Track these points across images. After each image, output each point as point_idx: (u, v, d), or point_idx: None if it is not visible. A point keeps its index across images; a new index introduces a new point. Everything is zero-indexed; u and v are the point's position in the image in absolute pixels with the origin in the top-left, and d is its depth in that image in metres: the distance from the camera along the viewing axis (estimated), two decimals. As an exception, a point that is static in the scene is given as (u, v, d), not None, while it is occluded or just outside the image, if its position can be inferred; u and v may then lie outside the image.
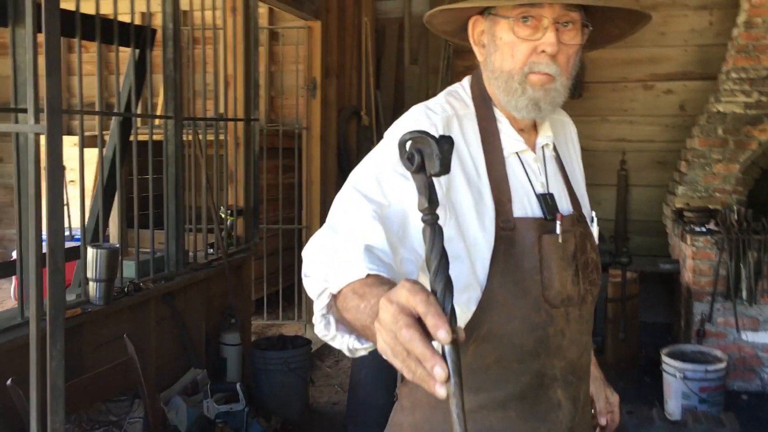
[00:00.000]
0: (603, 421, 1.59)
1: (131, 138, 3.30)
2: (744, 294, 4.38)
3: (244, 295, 4.34)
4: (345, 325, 1.12)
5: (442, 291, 0.84)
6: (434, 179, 0.91)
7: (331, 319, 1.13)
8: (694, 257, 4.50)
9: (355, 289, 1.05)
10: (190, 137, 4.02)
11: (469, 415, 1.36)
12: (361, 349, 1.12)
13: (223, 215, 4.22)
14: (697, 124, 5.36)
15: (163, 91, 3.47)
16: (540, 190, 1.42)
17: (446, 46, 6.46)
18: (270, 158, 5.80)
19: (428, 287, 0.86)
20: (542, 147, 1.48)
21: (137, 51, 3.19)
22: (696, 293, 4.53)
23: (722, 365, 4.13)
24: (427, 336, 0.78)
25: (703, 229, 4.56)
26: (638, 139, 6.16)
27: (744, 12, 5.18)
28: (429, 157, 0.89)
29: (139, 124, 4.47)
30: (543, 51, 1.32)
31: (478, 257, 1.34)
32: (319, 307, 1.14)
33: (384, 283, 1.03)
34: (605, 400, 1.64)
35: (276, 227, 5.83)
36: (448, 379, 0.76)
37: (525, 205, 1.39)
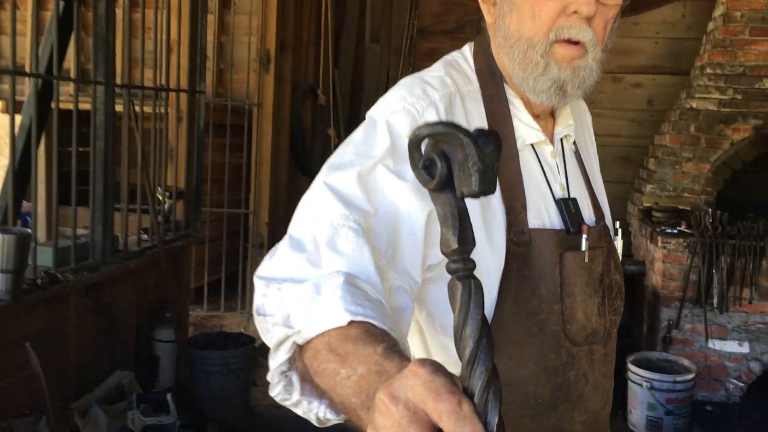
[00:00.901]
0: None
1: (52, 105, 2.84)
2: (715, 301, 4.18)
3: (181, 287, 3.94)
4: (314, 386, 0.80)
5: (483, 392, 0.53)
6: (466, 200, 0.60)
7: (295, 379, 0.82)
8: (665, 260, 4.28)
9: (331, 344, 0.74)
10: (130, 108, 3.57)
11: None
12: (337, 420, 0.81)
13: (160, 197, 3.79)
14: (668, 120, 5.15)
15: (93, 53, 3.02)
16: (560, 194, 1.14)
17: (410, 25, 6.11)
18: (216, 136, 5.37)
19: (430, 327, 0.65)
20: (561, 139, 1.19)
21: (62, 3, 2.74)
22: (664, 298, 4.31)
23: (691, 376, 3.92)
24: None
25: (675, 231, 4.34)
26: (603, 133, 5.93)
27: (722, 5, 4.96)
28: (461, 167, 0.58)
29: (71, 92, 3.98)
30: (575, 11, 1.02)
31: (484, 280, 1.01)
32: (278, 362, 0.82)
33: (374, 337, 0.72)
34: None
35: (220, 211, 5.42)
36: None
37: (542, 214, 1.11)
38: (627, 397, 4.03)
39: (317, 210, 0.93)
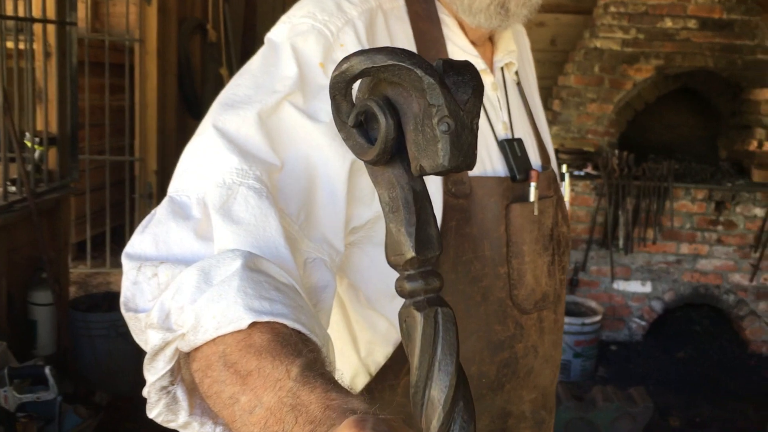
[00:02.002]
0: None
1: None
2: (620, 242, 4.20)
3: (59, 244, 3.53)
4: (205, 402, 0.61)
5: None
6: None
7: (180, 395, 0.62)
8: (572, 203, 4.24)
9: (228, 356, 0.55)
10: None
11: None
12: None
13: (29, 143, 3.34)
14: (572, 61, 5.08)
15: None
16: (503, 134, 0.97)
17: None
18: (94, 75, 4.89)
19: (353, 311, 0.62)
20: (501, 68, 1.01)
21: None
22: (572, 240, 4.29)
23: (598, 317, 3.94)
24: None
25: (582, 173, 4.30)
26: (507, 73, 5.83)
27: (625, -58, 4.88)
28: (419, 125, 0.38)
29: None
30: None
31: None
32: (155, 375, 0.62)
33: (286, 347, 0.54)
34: None
35: (102, 159, 4.96)
36: None
37: (483, 158, 0.94)
38: (536, 341, 4.01)
39: (206, 163, 0.69)
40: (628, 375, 3.99)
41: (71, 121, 3.64)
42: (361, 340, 0.90)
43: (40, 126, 3.47)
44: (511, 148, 0.95)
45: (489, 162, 0.93)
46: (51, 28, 3.45)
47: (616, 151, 4.36)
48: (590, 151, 4.66)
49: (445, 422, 0.36)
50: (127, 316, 0.65)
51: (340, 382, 0.51)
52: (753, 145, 4.50)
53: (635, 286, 4.32)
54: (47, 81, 3.49)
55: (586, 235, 4.25)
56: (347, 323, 0.91)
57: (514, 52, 1.01)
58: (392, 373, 0.88)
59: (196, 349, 0.57)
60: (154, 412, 0.62)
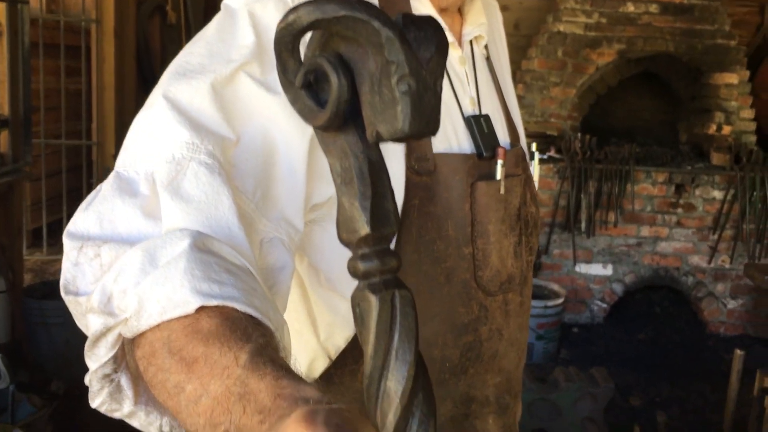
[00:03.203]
0: None
1: None
2: (582, 225, 4.23)
3: (12, 230, 3.42)
4: (149, 391, 0.58)
5: None
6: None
7: (125, 383, 0.60)
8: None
9: (173, 342, 0.52)
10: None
11: None
12: None
13: (-22, 126, 3.23)
14: (535, 45, 5.08)
15: None
16: (470, 110, 0.92)
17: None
18: (49, 57, 4.75)
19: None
20: (470, 42, 0.97)
21: None
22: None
23: (561, 300, 3.97)
24: None
25: (545, 157, 4.31)
26: (471, 57, 5.83)
27: (588, -74, 4.89)
28: (375, 86, 0.34)
29: None
30: None
31: None
32: (97, 363, 0.59)
33: (235, 332, 0.51)
34: None
35: (58, 143, 4.82)
36: None
37: (449, 134, 0.89)
38: (500, 325, 4.04)
39: (155, 137, 0.65)
40: (590, 356, 4.03)
41: (24, 103, 3.52)
42: (320, 322, 0.87)
43: (-10, 108, 3.36)
44: (478, 124, 0.91)
45: (455, 138, 0.89)
46: (1, 6, 3.33)
47: (579, 135, 4.39)
48: (553, 135, 4.68)
49: (403, 416, 0.33)
50: (67, 299, 0.61)
51: (293, 368, 0.48)
52: (712, 129, 4.56)
53: (597, 269, 4.37)
54: (-2, 61, 3.38)
55: (549, 218, 4.27)
56: (306, 305, 0.88)
57: (484, 24, 0.97)
58: (352, 357, 0.85)
59: (140, 335, 0.54)
60: (97, 401, 0.59)
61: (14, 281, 3.33)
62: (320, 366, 0.88)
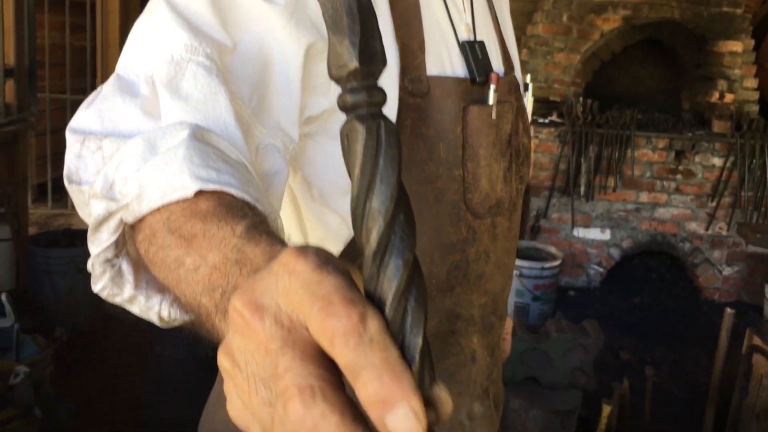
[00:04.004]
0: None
1: None
2: (582, 189, 4.25)
3: (16, 179, 3.47)
4: (150, 275, 0.60)
5: (399, 300, 0.34)
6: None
7: (125, 268, 0.62)
8: (536, 150, 4.28)
9: (172, 222, 0.54)
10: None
11: None
12: (185, 319, 0.61)
13: (-16, 75, 3.26)
14: (541, 10, 5.06)
15: None
16: (465, 36, 0.94)
17: None
18: (54, 13, 4.75)
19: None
20: None
21: None
22: (534, 188, 4.34)
23: (557, 262, 4.01)
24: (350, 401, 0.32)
25: (546, 121, 4.33)
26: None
27: None
28: None
29: None
30: None
31: None
32: (100, 247, 0.60)
33: (232, 212, 0.54)
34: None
35: (63, 97, 4.84)
36: None
37: (443, 59, 0.91)
38: (497, 285, 4.08)
39: (155, 40, 0.67)
40: (585, 319, 4.08)
41: (29, 54, 3.54)
42: (312, 237, 0.89)
43: (-5, 58, 3.38)
44: (472, 50, 0.92)
45: (449, 62, 0.90)
46: (6, -44, 3.33)
47: (581, 99, 4.39)
48: (556, 100, 4.69)
49: (386, 233, 0.35)
50: (70, 188, 0.63)
51: (286, 241, 0.50)
52: (714, 97, 4.56)
53: (595, 234, 4.40)
54: (4, 12, 3.39)
55: (549, 182, 4.29)
56: (298, 220, 0.90)
57: None
58: None
59: (141, 220, 0.56)
60: (99, 285, 0.61)
61: (19, 230, 3.38)
62: None
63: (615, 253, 4.45)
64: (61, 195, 4.95)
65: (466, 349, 0.95)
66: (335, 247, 0.88)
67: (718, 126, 4.31)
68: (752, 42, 4.72)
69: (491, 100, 0.91)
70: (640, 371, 3.04)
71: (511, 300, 4.03)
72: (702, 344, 3.87)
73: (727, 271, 4.45)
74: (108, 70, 4.71)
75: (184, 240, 0.51)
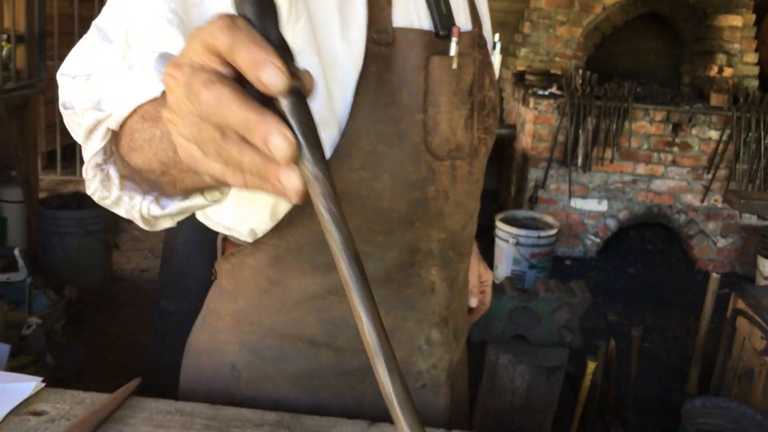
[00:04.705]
0: (473, 303, 1.29)
1: None
2: (579, 160, 4.33)
3: (28, 142, 3.57)
4: (135, 180, 0.72)
5: (257, 14, 0.47)
6: None
7: (113, 173, 0.73)
8: (536, 121, 4.35)
9: (145, 114, 0.66)
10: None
11: (315, 302, 0.96)
12: (164, 215, 0.73)
13: (-3, 41, 3.35)
14: (544, -17, 5.10)
15: None
16: None
17: None
18: (63, -18, 4.82)
19: None
20: None
21: None
22: (533, 159, 4.41)
23: (553, 231, 4.09)
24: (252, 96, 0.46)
25: (546, 93, 4.39)
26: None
27: None
28: None
29: None
30: None
31: (337, 82, 0.92)
32: (91, 152, 0.73)
33: None
34: (477, 277, 1.32)
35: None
36: (299, 149, 0.45)
37: (410, 12, 0.97)
38: (494, 254, 4.18)
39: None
40: (580, 287, 4.18)
41: (39, 22, 3.63)
42: None
43: (7, 24, 3.47)
44: (437, 5, 0.99)
45: (416, 16, 0.97)
46: (16, -75, 3.41)
47: (581, 72, 4.45)
48: (557, 73, 4.74)
49: None
50: (65, 113, 0.74)
51: None
52: (713, 71, 4.61)
53: (592, 205, 4.48)
54: (14, -20, 3.47)
55: (547, 153, 4.37)
56: None
57: None
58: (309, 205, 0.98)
59: (122, 127, 0.67)
60: (92, 188, 0.72)
61: (30, 192, 3.49)
62: (283, 209, 1.00)
63: (611, 223, 4.54)
64: (70, 163, 5.06)
65: (425, 280, 1.03)
66: None
67: (715, 99, 4.37)
68: (753, 17, 4.76)
69: (453, 51, 0.98)
70: (628, 334, 3.14)
71: (508, 268, 4.13)
72: (693, 311, 3.96)
73: (721, 242, 4.53)
74: (116, 40, 4.80)
75: (154, 121, 0.62)
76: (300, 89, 0.45)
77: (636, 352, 2.89)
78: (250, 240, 0.99)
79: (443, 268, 1.05)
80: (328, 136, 0.90)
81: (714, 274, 2.81)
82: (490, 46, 1.15)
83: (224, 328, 1.04)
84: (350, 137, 0.90)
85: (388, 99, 0.93)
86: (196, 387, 1.07)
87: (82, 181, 3.83)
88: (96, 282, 3.53)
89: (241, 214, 0.96)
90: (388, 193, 0.95)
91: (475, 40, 1.05)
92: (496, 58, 1.16)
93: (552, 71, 4.79)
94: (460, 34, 1.00)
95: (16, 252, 2.56)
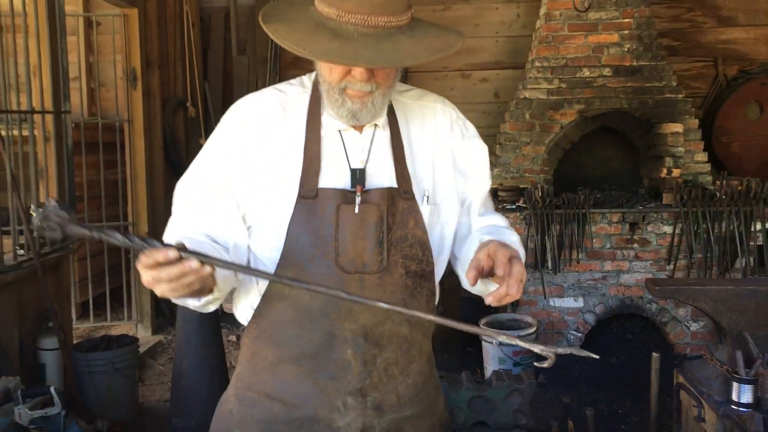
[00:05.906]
0: (500, 272, 1.36)
1: None
2: (549, 264, 4.78)
3: (62, 297, 4.15)
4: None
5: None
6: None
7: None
8: (506, 233, 4.84)
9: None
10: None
11: (271, 368, 1.47)
12: (203, 305, 1.38)
13: (33, 213, 3.98)
14: (507, 110, 5.75)
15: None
16: (357, 165, 1.47)
17: (272, 36, 6.46)
18: (90, 153, 5.55)
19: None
20: (374, 126, 1.51)
21: None
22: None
23: (533, 329, 4.49)
24: None
25: (513, 207, 4.92)
26: (459, 125, 6.47)
27: (544, 5, 5.61)
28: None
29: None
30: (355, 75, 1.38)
31: (279, 221, 1.43)
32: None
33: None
34: (504, 255, 1.38)
35: (99, 225, 5.59)
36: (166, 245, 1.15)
37: (336, 178, 1.45)
38: (482, 355, 4.56)
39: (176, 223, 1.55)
40: (565, 379, 4.52)
41: (69, 194, 4.29)
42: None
43: (42, 199, 4.13)
44: (353, 173, 1.45)
45: (340, 180, 1.44)
46: (48, 117, 4.13)
47: (538, 185, 4.99)
48: (526, 187, 5.29)
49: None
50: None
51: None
52: (663, 173, 5.12)
53: (569, 302, 4.89)
54: (47, 161, 4.17)
55: (521, 260, 4.83)
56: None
57: (384, 119, 1.50)
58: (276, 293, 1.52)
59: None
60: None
61: (65, 339, 4.02)
62: (255, 299, 1.49)
63: (590, 318, 4.92)
64: (101, 311, 5.62)
65: (342, 359, 1.43)
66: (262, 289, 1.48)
67: (667, 198, 4.85)
68: (696, 121, 5.31)
69: (357, 201, 1.43)
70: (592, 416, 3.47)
71: (495, 367, 4.50)
72: (669, 393, 4.25)
73: (693, 326, 4.88)
74: (137, 198, 5.47)
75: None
76: (182, 245, 1.02)
77: (592, 429, 3.23)
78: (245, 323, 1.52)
79: (357, 350, 1.44)
80: (272, 257, 1.41)
81: (654, 354, 3.19)
82: (420, 197, 1.48)
83: (231, 385, 1.57)
84: (286, 255, 1.40)
85: (311, 231, 1.41)
86: (213, 425, 1.59)
87: (112, 327, 4.44)
88: (124, 413, 3.97)
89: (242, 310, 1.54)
90: (307, 295, 1.41)
91: (389, 195, 1.45)
92: (425, 208, 1.48)
93: (522, 186, 5.34)
94: (363, 190, 1.44)
95: (52, 389, 3.05)
